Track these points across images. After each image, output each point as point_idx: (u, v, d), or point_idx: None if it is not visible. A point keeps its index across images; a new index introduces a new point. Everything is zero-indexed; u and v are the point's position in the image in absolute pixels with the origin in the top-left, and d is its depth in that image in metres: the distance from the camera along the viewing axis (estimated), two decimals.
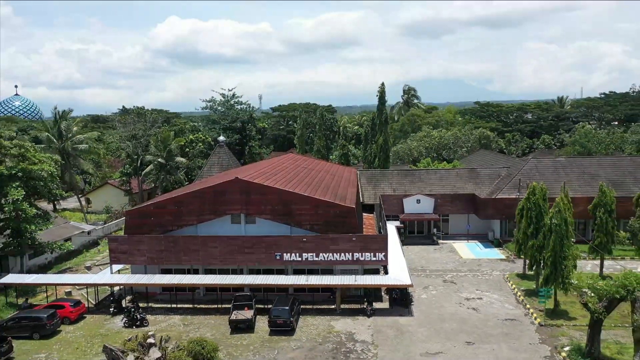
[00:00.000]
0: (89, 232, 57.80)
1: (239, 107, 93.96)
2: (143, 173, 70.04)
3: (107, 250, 54.71)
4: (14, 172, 42.11)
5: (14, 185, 41.26)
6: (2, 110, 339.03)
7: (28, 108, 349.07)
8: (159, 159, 68.76)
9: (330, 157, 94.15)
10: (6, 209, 40.65)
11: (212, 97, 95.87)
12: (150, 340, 23.50)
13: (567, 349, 29.30)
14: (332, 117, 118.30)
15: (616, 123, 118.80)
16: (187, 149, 74.67)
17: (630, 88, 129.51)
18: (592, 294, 26.87)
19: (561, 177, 54.21)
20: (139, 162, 71.97)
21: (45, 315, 33.52)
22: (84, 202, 74.85)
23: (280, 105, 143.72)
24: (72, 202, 78.86)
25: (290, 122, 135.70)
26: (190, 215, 38.86)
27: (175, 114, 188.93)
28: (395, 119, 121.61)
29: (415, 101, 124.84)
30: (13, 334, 32.16)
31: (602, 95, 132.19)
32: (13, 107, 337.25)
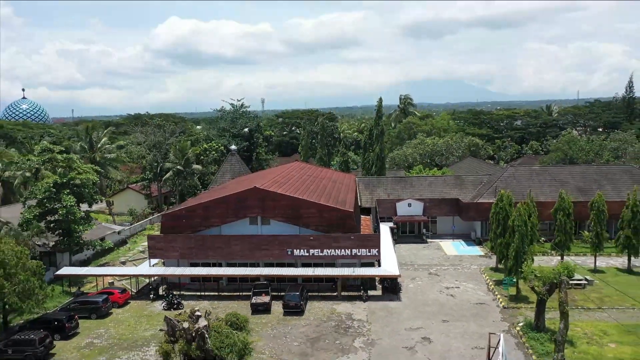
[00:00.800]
0: (119, 232, 65.40)
1: (247, 116, 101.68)
2: (163, 179, 77.65)
3: (137, 248, 62.79)
4: (65, 180, 49.79)
5: (65, 192, 48.93)
6: (9, 114, 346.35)
7: (35, 111, 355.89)
8: (178, 166, 76.44)
9: (332, 162, 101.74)
10: (60, 212, 48.26)
11: (222, 106, 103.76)
12: (197, 313, 31.01)
13: (520, 324, 36.91)
14: (333, 124, 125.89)
15: (600, 130, 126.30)
16: (202, 157, 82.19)
17: (614, 97, 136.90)
18: (537, 280, 34.42)
19: (534, 184, 61.79)
20: (159, 168, 79.59)
21: (101, 300, 41.17)
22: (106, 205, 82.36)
23: (284, 112, 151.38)
24: (94, 205, 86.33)
25: (293, 128, 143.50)
26: (216, 218, 46.51)
27: (181, 118, 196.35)
28: (393, 125, 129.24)
29: (412, 109, 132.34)
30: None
31: (587, 104, 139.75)
32: (20, 110, 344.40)
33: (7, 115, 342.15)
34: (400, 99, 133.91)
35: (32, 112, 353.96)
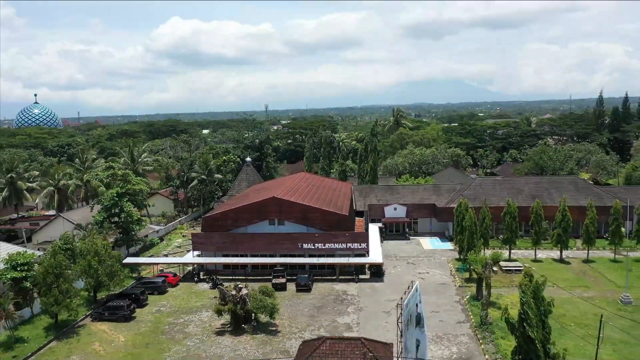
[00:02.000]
0: (157, 231, 79.83)
1: (257, 129, 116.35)
2: (189, 187, 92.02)
3: (173, 244, 77.10)
4: (124, 191, 64.29)
5: (125, 200, 63.41)
6: (22, 119, 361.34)
7: (47, 115, 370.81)
8: (202, 176, 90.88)
9: (332, 170, 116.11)
10: (122, 215, 62.72)
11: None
12: (240, 285, 45.31)
13: (467, 297, 51.28)
14: (332, 135, 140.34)
15: (573, 140, 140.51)
16: (222, 167, 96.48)
17: (586, 110, 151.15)
18: (476, 264, 48.76)
19: (496, 192, 76.11)
20: (185, 177, 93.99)
21: (161, 281, 55.65)
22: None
23: (290, 122, 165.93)
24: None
25: (296, 136, 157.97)
26: (243, 220, 60.93)
27: (187, 125, 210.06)
28: (387, 135, 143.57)
29: (404, 121, 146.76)
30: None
31: (561, 116, 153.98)
32: (33, 115, 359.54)
33: (20, 120, 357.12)
34: (393, 111, 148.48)
35: (43, 117, 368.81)
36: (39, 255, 51.84)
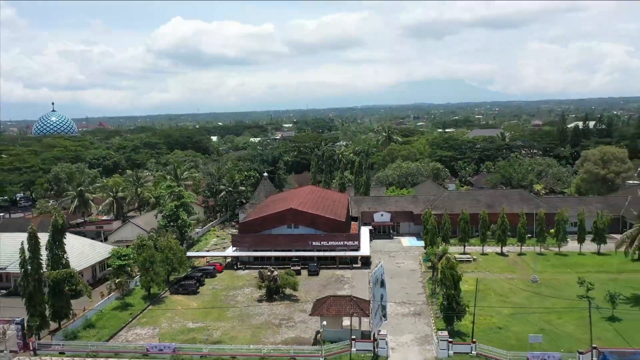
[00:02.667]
0: (197, 232, 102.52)
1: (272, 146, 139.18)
2: (219, 197, 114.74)
3: (211, 242, 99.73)
4: (180, 203, 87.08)
5: (181, 210, 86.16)
6: (41, 126, 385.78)
7: (63, 124, 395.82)
8: (229, 188, 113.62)
9: (333, 181, 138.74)
10: (179, 222, 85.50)
11: (251, 140, 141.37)
12: (271, 268, 68.12)
13: (427, 279, 73.93)
14: (332, 149, 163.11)
15: (542, 153, 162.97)
16: (244, 181, 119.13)
17: (554, 127, 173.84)
18: (432, 256, 71.34)
19: (460, 202, 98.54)
20: (215, 189, 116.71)
21: (212, 268, 78.47)
22: None
23: (296, 136, 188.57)
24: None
25: (302, 149, 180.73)
26: (268, 224, 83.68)
27: (194, 131, 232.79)
28: (380, 149, 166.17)
29: (395, 137, 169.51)
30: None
31: (531, 132, 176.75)
32: (51, 122, 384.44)
33: (38, 128, 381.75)
34: (384, 128, 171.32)
35: (61, 124, 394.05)
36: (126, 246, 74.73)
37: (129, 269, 69.78)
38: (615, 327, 54.95)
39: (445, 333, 51.16)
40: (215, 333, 58.17)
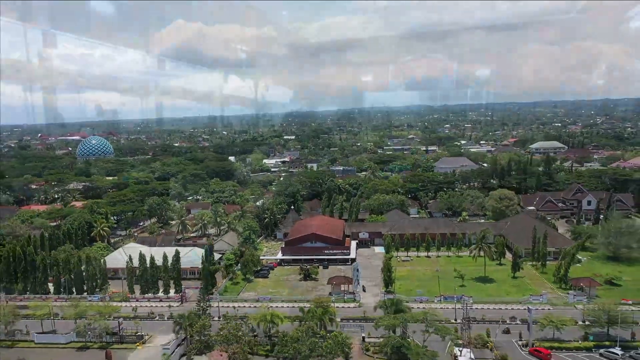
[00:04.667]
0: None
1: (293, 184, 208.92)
2: (264, 222, 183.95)
3: (264, 250, 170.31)
4: (249, 225, 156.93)
5: (247, 231, 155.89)
6: (83, 149, 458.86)
7: (102, 146, 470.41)
8: (270, 217, 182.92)
9: (334, 209, 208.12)
10: (251, 239, 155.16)
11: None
12: (306, 265, 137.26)
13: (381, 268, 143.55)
14: (333, 181, 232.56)
15: (480, 185, 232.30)
16: (276, 210, 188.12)
17: (497, 163, 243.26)
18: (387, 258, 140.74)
19: (409, 226, 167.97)
20: (260, 217, 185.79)
21: (271, 265, 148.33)
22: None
23: (306, 171, 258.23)
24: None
25: (309, 185, 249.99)
26: (300, 241, 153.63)
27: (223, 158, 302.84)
28: (367, 181, 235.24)
29: (376, 173, 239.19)
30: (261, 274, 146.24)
31: (475, 169, 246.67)
32: (91, 146, 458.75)
33: (82, 150, 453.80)
34: (367, 168, 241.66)
35: (99, 147, 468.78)
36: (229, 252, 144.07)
37: (233, 264, 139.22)
38: (459, 289, 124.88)
39: (384, 291, 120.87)
40: (282, 292, 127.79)
